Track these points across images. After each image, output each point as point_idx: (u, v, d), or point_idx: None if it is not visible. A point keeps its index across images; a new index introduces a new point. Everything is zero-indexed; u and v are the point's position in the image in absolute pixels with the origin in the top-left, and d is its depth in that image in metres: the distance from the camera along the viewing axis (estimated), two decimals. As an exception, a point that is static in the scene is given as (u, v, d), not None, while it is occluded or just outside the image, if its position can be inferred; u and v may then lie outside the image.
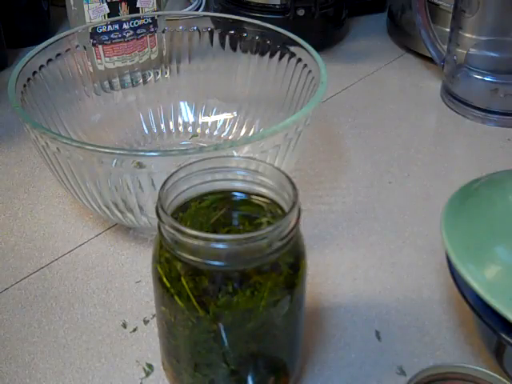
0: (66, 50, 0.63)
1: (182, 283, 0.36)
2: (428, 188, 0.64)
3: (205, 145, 0.63)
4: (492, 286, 0.40)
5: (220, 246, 0.34)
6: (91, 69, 0.67)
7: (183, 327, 0.38)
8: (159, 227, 0.37)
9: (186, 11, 0.96)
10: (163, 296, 0.38)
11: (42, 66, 0.60)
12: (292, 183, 0.37)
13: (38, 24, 0.89)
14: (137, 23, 0.70)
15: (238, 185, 0.40)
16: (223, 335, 0.37)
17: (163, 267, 0.37)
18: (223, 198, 0.40)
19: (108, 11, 0.72)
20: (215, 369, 0.39)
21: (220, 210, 0.40)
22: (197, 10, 0.98)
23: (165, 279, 0.37)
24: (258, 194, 0.40)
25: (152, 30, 0.70)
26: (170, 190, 0.38)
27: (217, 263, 0.35)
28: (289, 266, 0.37)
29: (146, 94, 0.70)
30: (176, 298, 0.37)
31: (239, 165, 0.40)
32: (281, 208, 0.39)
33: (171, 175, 0.38)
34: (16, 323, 0.50)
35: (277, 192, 0.39)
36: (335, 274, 0.54)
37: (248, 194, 0.40)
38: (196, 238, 0.34)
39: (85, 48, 0.66)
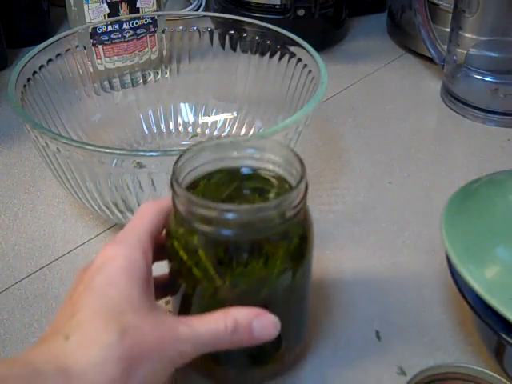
0: (66, 50, 0.63)
1: (199, 255, 0.38)
2: (428, 188, 0.64)
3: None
4: (492, 286, 0.40)
5: (234, 215, 0.36)
6: (91, 69, 0.67)
7: (201, 297, 0.40)
8: (174, 202, 0.39)
9: (186, 11, 0.96)
10: (180, 269, 0.40)
11: (41, 66, 0.60)
12: (299, 159, 0.39)
13: (38, 24, 0.89)
14: (137, 23, 0.70)
15: (248, 162, 0.42)
16: (239, 302, 0.39)
17: (180, 242, 0.39)
18: (233, 175, 0.42)
19: (108, 11, 0.72)
20: None
21: (230, 186, 0.41)
22: (197, 10, 0.98)
23: (182, 253, 0.39)
24: (266, 171, 0.42)
25: (152, 30, 0.70)
26: (182, 166, 0.39)
27: (231, 233, 0.37)
28: (298, 237, 0.39)
29: (146, 94, 0.70)
30: (194, 269, 0.39)
31: (249, 143, 0.42)
32: (289, 184, 0.41)
33: (184, 153, 0.40)
34: (16, 323, 0.50)
35: (285, 168, 0.41)
36: (335, 273, 0.54)
37: (257, 171, 0.42)
38: (210, 208, 0.36)
39: (85, 48, 0.66)
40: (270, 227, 0.37)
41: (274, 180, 0.41)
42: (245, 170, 0.42)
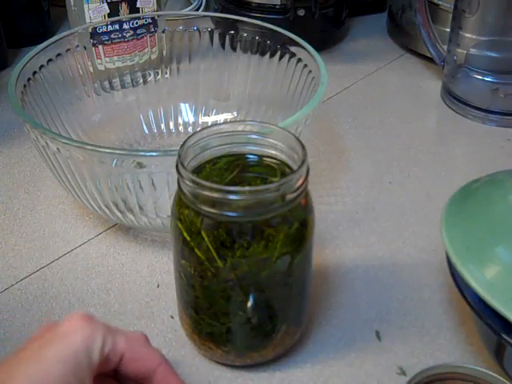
0: (66, 50, 0.63)
1: (201, 236, 0.39)
2: (428, 188, 0.64)
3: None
4: (492, 286, 0.40)
5: (236, 197, 0.37)
6: (91, 69, 0.67)
7: (203, 278, 0.41)
8: (179, 184, 0.40)
9: (186, 11, 0.96)
10: (183, 250, 0.41)
11: (42, 66, 0.60)
12: (301, 144, 0.40)
13: (37, 24, 0.89)
14: (137, 23, 0.70)
15: (251, 148, 0.43)
16: (240, 283, 0.40)
17: (183, 223, 0.40)
18: (237, 160, 0.43)
19: (108, 11, 0.72)
20: (232, 317, 0.43)
21: (234, 171, 0.42)
22: (197, 10, 0.98)
23: (185, 234, 0.40)
24: (269, 156, 0.43)
25: (152, 30, 0.70)
26: (188, 150, 0.40)
27: (233, 214, 0.38)
28: (299, 221, 0.40)
29: (146, 94, 0.70)
30: (196, 250, 0.40)
31: (252, 129, 0.43)
32: (291, 169, 0.42)
33: (189, 137, 0.41)
34: (16, 323, 0.50)
35: (287, 154, 0.42)
36: (335, 273, 0.54)
37: (260, 156, 0.43)
38: (215, 190, 0.37)
39: (85, 48, 0.66)
40: (271, 210, 0.38)
41: (276, 165, 0.42)
42: (248, 156, 0.43)
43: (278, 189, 0.38)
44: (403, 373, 0.46)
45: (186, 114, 0.70)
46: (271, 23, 0.64)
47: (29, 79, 0.58)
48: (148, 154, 0.47)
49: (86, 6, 0.72)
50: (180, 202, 0.41)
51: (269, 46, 0.65)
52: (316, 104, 0.52)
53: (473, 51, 0.73)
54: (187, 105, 0.70)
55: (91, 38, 0.67)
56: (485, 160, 0.68)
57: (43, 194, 0.63)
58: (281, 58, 0.64)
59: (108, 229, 0.59)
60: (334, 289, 0.52)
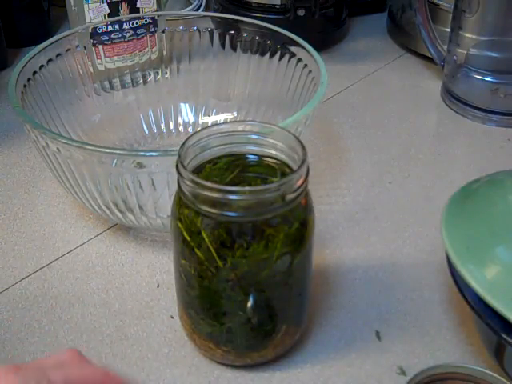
0: (66, 50, 0.63)
1: (201, 236, 0.39)
2: (428, 188, 0.64)
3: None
4: (492, 286, 0.40)
5: (236, 197, 0.37)
6: (91, 69, 0.67)
7: (203, 278, 0.41)
8: (179, 184, 0.40)
9: (186, 11, 0.96)
10: (183, 250, 0.41)
11: (42, 66, 0.60)
12: (301, 144, 0.40)
13: (37, 24, 0.89)
14: (137, 23, 0.70)
15: (251, 148, 0.43)
16: (240, 283, 0.40)
17: (183, 223, 0.40)
18: (237, 160, 0.43)
19: (108, 11, 0.72)
20: (232, 317, 0.43)
21: (234, 171, 0.42)
22: (197, 10, 0.98)
23: (185, 234, 0.40)
24: (269, 156, 0.43)
25: (152, 30, 0.70)
26: (188, 150, 0.40)
27: (233, 214, 0.38)
28: (299, 221, 0.40)
29: (146, 94, 0.70)
30: (196, 250, 0.40)
31: (252, 129, 0.43)
32: (291, 169, 0.42)
33: (189, 137, 0.41)
34: (16, 323, 0.50)
35: (287, 154, 0.42)
36: (335, 273, 0.54)
37: (260, 156, 0.43)
38: (215, 190, 0.37)
39: (85, 48, 0.66)
40: (271, 210, 0.38)
41: (276, 165, 0.42)
42: (249, 156, 0.43)
43: (278, 189, 0.38)
44: (403, 373, 0.46)
45: (186, 113, 0.70)
46: (271, 23, 0.64)
47: (29, 79, 0.58)
48: (148, 154, 0.47)
49: (86, 5, 0.72)
50: (180, 201, 0.41)
51: (269, 46, 0.65)
52: (316, 104, 0.52)
53: (473, 51, 0.73)
54: (187, 105, 0.70)
55: (91, 38, 0.67)
56: (485, 160, 0.68)
57: (43, 194, 0.63)
58: (281, 58, 0.64)
59: (108, 229, 0.59)
60: (334, 289, 0.53)
